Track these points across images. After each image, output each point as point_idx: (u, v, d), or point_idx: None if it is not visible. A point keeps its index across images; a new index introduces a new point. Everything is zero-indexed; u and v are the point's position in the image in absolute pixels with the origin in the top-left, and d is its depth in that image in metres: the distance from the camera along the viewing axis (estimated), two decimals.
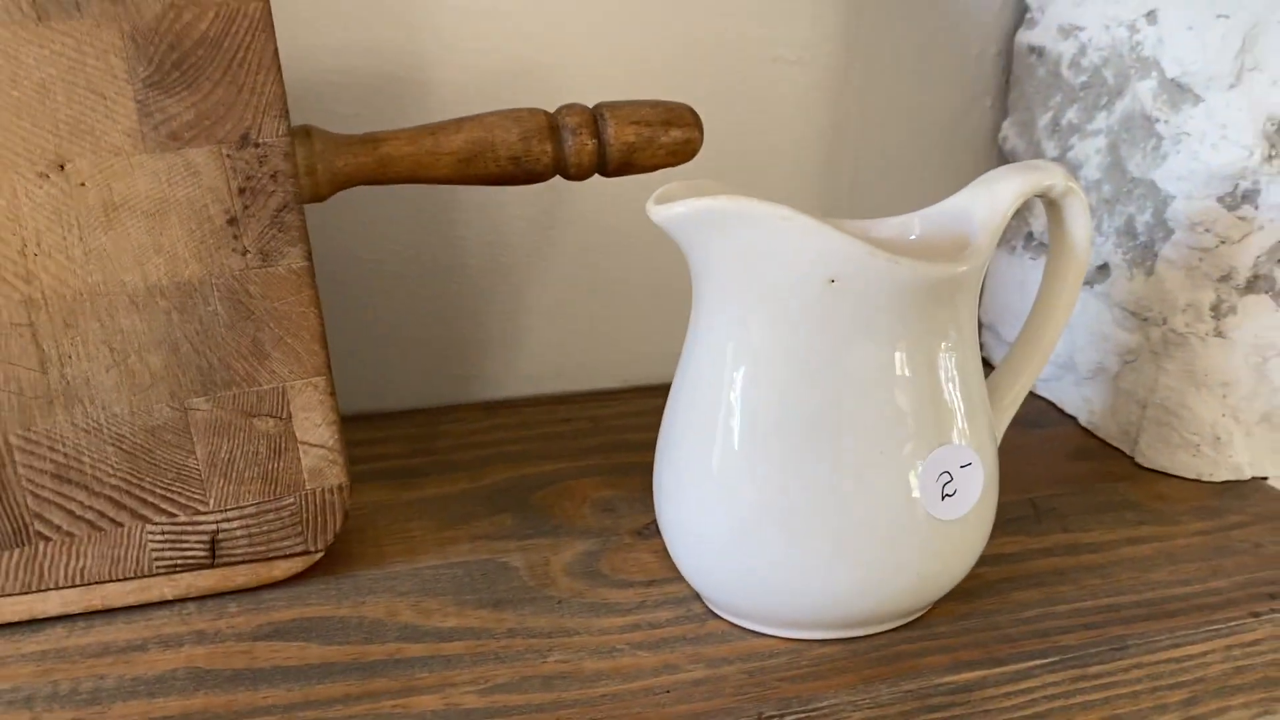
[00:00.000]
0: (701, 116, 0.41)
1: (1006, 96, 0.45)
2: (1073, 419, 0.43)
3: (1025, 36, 0.44)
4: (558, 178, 0.35)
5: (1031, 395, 0.44)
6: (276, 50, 0.27)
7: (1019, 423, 0.38)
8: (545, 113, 0.31)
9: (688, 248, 0.27)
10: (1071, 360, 0.42)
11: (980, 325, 0.49)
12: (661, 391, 0.31)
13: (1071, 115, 0.41)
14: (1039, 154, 0.43)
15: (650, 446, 0.31)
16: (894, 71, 0.44)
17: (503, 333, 0.44)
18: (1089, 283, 0.41)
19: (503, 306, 0.43)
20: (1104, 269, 0.40)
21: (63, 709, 0.27)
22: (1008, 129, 0.45)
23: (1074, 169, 0.41)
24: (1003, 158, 0.46)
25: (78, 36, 0.25)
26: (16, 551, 0.28)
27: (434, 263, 0.42)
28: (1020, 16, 0.44)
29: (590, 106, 0.32)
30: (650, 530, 0.34)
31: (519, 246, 0.43)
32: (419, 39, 0.39)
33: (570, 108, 0.31)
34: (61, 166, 0.26)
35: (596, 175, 0.33)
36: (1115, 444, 0.40)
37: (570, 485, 0.37)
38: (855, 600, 0.28)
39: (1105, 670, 0.30)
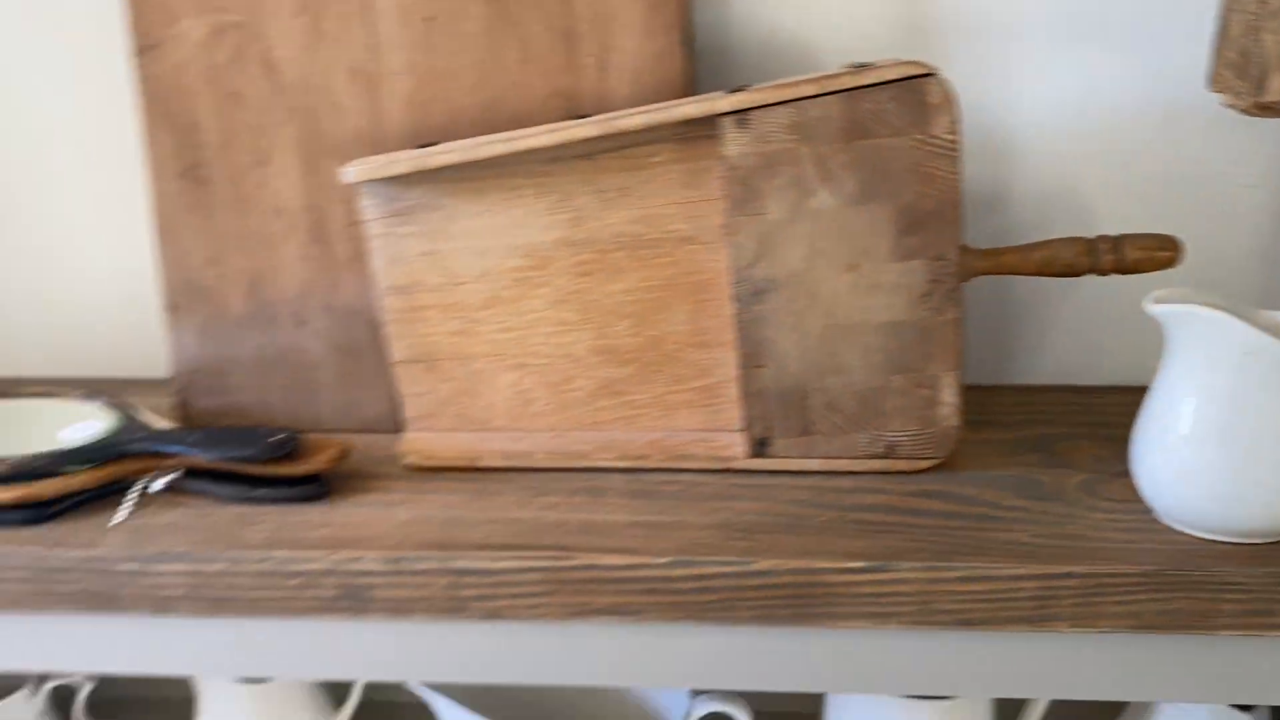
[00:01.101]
0: (1181, 218, 0.65)
1: None
2: None
3: None
4: None
5: None
6: (962, 209, 0.56)
7: None
8: (1089, 240, 0.57)
9: (1165, 325, 0.53)
10: None
11: None
12: (1128, 391, 0.57)
13: None
14: None
15: (1121, 425, 0.56)
16: None
17: (1032, 342, 0.71)
18: None
19: (1033, 327, 0.70)
20: None
21: (827, 511, 0.58)
22: None
23: None
24: None
25: (873, 210, 0.56)
26: (803, 438, 0.60)
27: (992, 302, 0.70)
28: None
29: (1114, 236, 0.57)
30: (1125, 473, 0.59)
31: (1050, 291, 0.69)
32: (1002, 170, 0.66)
33: (1103, 237, 0.57)
34: (856, 266, 0.57)
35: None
36: None
37: (1075, 444, 0.64)
38: (1244, 521, 0.52)
39: None
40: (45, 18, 0.68)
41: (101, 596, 0.56)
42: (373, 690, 0.85)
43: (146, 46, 0.61)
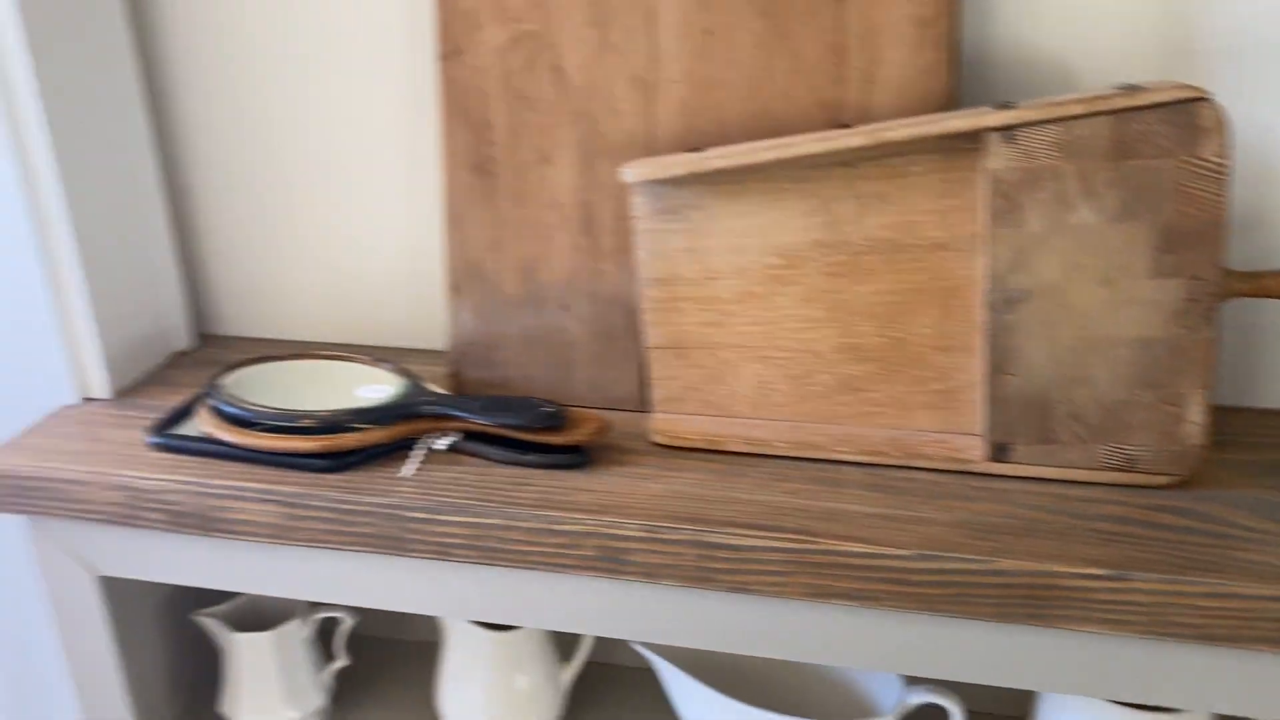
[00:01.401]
0: None
1: None
2: None
3: None
4: None
5: None
6: (1225, 231, 0.56)
7: None
8: None
9: None
10: None
11: None
12: None
13: None
14: None
15: None
16: None
17: (1279, 366, 0.70)
18: None
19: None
20: None
21: (1065, 518, 0.60)
22: None
23: None
24: None
25: (1133, 228, 0.57)
26: (1044, 445, 0.62)
27: (1238, 324, 0.69)
28: None
29: None
30: None
31: None
32: (1262, 193, 0.66)
33: None
34: (1112, 281, 0.58)
35: None
36: None
37: None
38: None
39: None
40: (361, 27, 0.76)
41: (391, 539, 0.64)
42: (597, 651, 0.91)
43: (451, 52, 0.68)
